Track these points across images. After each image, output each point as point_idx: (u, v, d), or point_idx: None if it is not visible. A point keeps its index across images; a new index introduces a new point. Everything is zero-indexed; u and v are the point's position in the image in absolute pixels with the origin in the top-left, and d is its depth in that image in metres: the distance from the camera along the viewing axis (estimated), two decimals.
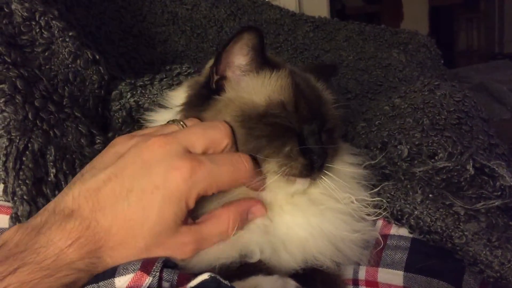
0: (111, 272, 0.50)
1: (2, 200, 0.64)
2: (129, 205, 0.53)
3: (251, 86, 0.65)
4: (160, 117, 0.70)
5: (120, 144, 0.59)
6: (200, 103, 0.65)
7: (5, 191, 0.62)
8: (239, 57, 0.65)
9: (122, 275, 0.50)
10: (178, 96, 0.70)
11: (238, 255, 0.57)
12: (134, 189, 0.53)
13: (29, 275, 0.48)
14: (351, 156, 0.74)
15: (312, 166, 0.62)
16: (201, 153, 0.57)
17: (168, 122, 0.65)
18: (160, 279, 0.50)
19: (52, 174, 0.64)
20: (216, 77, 0.65)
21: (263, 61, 0.66)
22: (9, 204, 0.63)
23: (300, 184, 0.63)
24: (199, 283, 0.48)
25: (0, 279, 0.46)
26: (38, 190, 0.62)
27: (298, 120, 0.64)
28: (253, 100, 0.64)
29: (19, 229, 0.52)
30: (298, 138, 0.63)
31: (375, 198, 0.68)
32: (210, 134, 0.59)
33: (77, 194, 0.54)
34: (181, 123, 0.62)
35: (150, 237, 0.53)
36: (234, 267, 0.56)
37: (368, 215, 0.67)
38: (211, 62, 0.69)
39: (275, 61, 0.69)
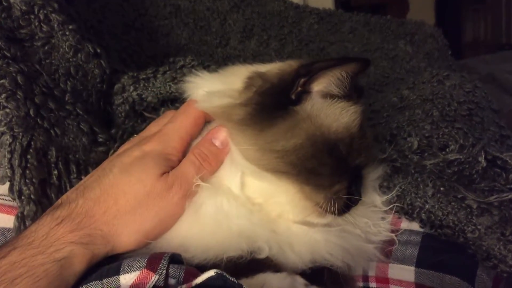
0: (116, 269, 0.49)
1: (5, 200, 0.63)
2: (114, 175, 0.58)
3: (332, 111, 0.62)
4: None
5: None
6: (274, 107, 0.61)
7: (11, 189, 0.61)
8: (334, 81, 0.62)
9: (127, 273, 0.49)
10: (229, 82, 0.66)
11: (246, 246, 0.56)
12: (115, 165, 0.59)
13: (20, 255, 0.48)
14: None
15: (345, 209, 0.62)
16: None
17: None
18: (166, 275, 0.49)
19: (54, 177, 0.63)
20: (299, 89, 0.62)
21: (351, 92, 0.64)
22: (11, 203, 0.62)
23: (327, 220, 0.62)
24: (205, 280, 0.47)
25: None
26: (42, 189, 0.61)
27: (353, 160, 0.63)
28: (331, 126, 0.62)
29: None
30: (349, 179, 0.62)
31: (391, 205, 0.68)
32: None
33: (65, 195, 0.58)
34: None
35: (139, 190, 0.56)
36: (242, 263, 0.55)
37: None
38: (289, 66, 0.65)
39: (353, 94, 0.67)
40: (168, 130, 0.63)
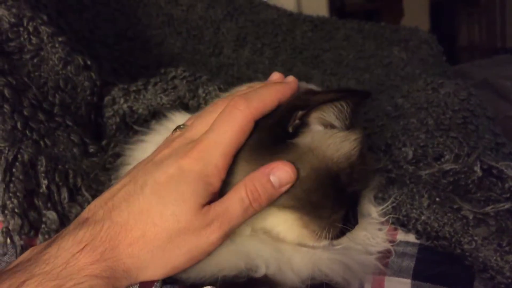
0: None
1: None
2: (144, 197, 0.50)
3: (332, 141, 0.59)
4: None
5: None
6: (272, 144, 0.57)
7: None
8: (334, 113, 0.59)
9: None
10: None
11: (244, 265, 0.54)
12: (147, 182, 0.51)
13: (37, 287, 0.44)
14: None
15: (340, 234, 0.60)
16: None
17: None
18: None
19: (44, 186, 0.62)
20: (297, 121, 0.58)
21: (351, 123, 0.61)
22: None
23: (323, 243, 0.60)
24: None
25: None
26: (29, 202, 0.60)
27: (352, 187, 0.61)
28: (332, 157, 0.59)
29: (34, 248, 0.50)
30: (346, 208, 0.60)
31: (387, 217, 0.67)
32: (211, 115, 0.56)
33: (93, 205, 0.52)
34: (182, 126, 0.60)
35: (171, 226, 0.49)
36: (237, 281, 0.53)
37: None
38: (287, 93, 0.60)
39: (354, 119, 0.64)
40: (209, 143, 0.52)
